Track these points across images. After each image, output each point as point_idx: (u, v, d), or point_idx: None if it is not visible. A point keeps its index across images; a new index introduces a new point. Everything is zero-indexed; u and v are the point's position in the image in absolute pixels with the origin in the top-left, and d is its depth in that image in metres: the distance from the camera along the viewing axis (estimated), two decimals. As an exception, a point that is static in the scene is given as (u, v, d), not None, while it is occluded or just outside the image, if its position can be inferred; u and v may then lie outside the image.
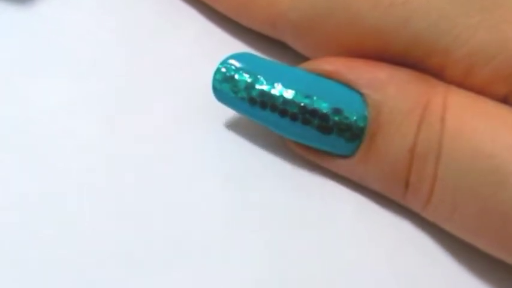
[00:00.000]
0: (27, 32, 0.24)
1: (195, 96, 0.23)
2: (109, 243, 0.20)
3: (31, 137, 0.22)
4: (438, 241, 0.20)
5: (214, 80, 0.21)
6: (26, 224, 0.20)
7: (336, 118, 0.20)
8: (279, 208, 0.21)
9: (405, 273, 0.20)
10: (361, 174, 0.21)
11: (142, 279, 0.20)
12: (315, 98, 0.20)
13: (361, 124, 0.20)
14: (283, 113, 0.20)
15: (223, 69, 0.21)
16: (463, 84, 0.19)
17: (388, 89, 0.20)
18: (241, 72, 0.21)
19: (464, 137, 0.18)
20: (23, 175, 0.21)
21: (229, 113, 0.22)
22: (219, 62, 0.21)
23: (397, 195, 0.20)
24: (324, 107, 0.20)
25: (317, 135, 0.20)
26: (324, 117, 0.20)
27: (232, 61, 0.21)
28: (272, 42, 0.23)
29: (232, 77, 0.21)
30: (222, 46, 0.23)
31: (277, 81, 0.20)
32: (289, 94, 0.20)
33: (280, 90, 0.20)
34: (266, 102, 0.20)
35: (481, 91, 0.19)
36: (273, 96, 0.20)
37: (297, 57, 0.22)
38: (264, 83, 0.20)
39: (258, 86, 0.20)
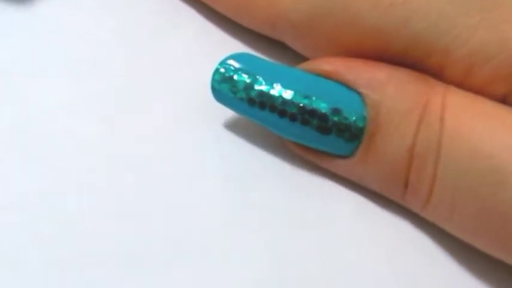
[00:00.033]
0: (27, 32, 0.24)
1: (194, 96, 0.23)
2: (109, 243, 0.20)
3: (31, 137, 0.22)
4: (438, 241, 0.20)
5: (213, 80, 0.21)
6: (26, 224, 0.20)
7: (335, 118, 0.20)
8: (279, 208, 0.21)
9: (405, 273, 0.20)
10: (361, 174, 0.21)
11: (142, 279, 0.20)
12: (314, 98, 0.20)
13: (360, 124, 0.20)
14: (282, 113, 0.20)
15: (222, 70, 0.21)
16: (463, 84, 0.19)
17: (387, 89, 0.20)
18: (240, 72, 0.21)
19: (463, 137, 0.18)
20: (23, 175, 0.21)
21: (229, 113, 0.22)
22: (218, 63, 0.21)
23: (396, 195, 0.20)
24: (323, 107, 0.20)
25: (316, 136, 0.20)
26: (323, 117, 0.20)
27: (231, 61, 0.21)
28: (271, 42, 0.23)
29: (231, 78, 0.21)
30: (222, 46, 0.23)
31: (276, 81, 0.20)
32: (288, 94, 0.20)
33: (279, 91, 0.20)
34: (265, 102, 0.20)
35: (480, 91, 0.19)
36: (272, 97, 0.20)
37: (297, 58, 0.22)
38: (263, 83, 0.20)
39: (257, 87, 0.20)
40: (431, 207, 0.19)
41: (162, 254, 0.20)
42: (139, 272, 0.20)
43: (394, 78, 0.20)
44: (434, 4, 0.19)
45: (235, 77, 0.21)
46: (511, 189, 0.18)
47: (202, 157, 0.22)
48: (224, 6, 0.24)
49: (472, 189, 0.18)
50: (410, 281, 0.20)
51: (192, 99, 0.23)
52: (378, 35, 0.20)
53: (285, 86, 0.20)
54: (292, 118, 0.20)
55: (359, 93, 0.20)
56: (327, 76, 0.20)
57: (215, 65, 0.21)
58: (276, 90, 0.20)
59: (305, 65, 0.21)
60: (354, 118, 0.20)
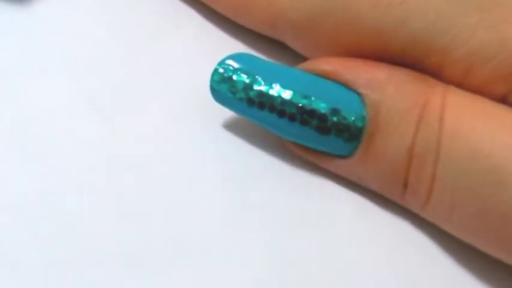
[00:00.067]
0: (25, 31, 0.24)
1: (193, 97, 0.23)
2: (109, 243, 0.20)
3: (30, 137, 0.22)
4: (438, 241, 0.20)
5: (212, 80, 0.21)
6: (26, 224, 0.20)
7: (334, 118, 0.20)
8: (279, 208, 0.21)
9: (405, 273, 0.20)
10: (360, 174, 0.21)
11: (142, 279, 0.20)
12: (313, 98, 0.20)
13: (359, 124, 0.20)
14: (281, 113, 0.20)
15: (221, 70, 0.21)
16: (462, 84, 0.19)
17: (386, 89, 0.20)
18: (239, 72, 0.21)
19: (463, 136, 0.18)
20: (22, 175, 0.21)
21: (228, 113, 0.22)
22: (216, 63, 0.21)
23: (395, 195, 0.20)
24: (322, 107, 0.20)
25: (315, 136, 0.20)
26: (322, 117, 0.20)
27: (229, 62, 0.21)
28: (271, 42, 0.23)
29: (230, 78, 0.21)
30: (221, 46, 0.23)
31: (275, 81, 0.20)
32: (287, 94, 0.20)
33: (278, 91, 0.20)
34: (264, 102, 0.20)
35: (479, 91, 0.19)
36: (271, 97, 0.20)
37: (296, 58, 0.22)
38: (262, 83, 0.20)
39: (256, 87, 0.20)
40: (431, 207, 0.19)
41: (161, 254, 0.20)
42: (139, 272, 0.20)
43: (394, 78, 0.20)
44: (433, 4, 0.19)
45: (234, 77, 0.21)
46: (510, 189, 0.18)
47: (202, 157, 0.22)
48: (224, 6, 0.24)
49: (471, 189, 0.18)
50: (410, 281, 0.20)
51: (191, 100, 0.23)
52: (377, 35, 0.20)
53: (284, 86, 0.20)
54: (292, 118, 0.20)
55: (358, 93, 0.20)
56: (326, 76, 0.20)
57: (214, 65, 0.21)
58: (275, 90, 0.20)
59: (304, 65, 0.21)
60: (353, 118, 0.20)
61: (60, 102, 0.23)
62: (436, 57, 0.19)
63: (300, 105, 0.20)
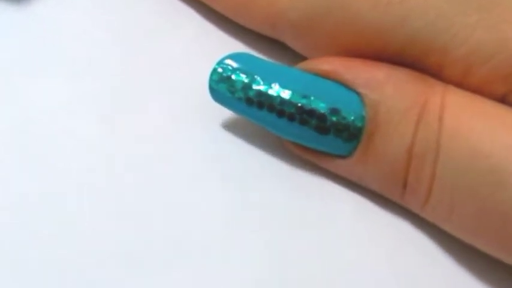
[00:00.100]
0: (23, 31, 0.24)
1: (192, 96, 0.23)
2: (109, 243, 0.20)
3: (30, 137, 0.22)
4: (438, 241, 0.20)
5: (211, 80, 0.21)
6: (26, 224, 0.20)
7: (334, 118, 0.20)
8: (279, 208, 0.21)
9: (405, 273, 0.20)
10: (360, 174, 0.21)
11: (142, 279, 0.20)
12: (312, 98, 0.20)
13: (358, 124, 0.20)
14: (280, 113, 0.20)
15: (220, 70, 0.21)
16: (461, 83, 0.19)
17: (385, 88, 0.20)
18: (238, 72, 0.21)
19: (462, 136, 0.18)
20: (22, 175, 0.21)
21: (227, 113, 0.22)
22: (215, 62, 0.21)
23: (395, 195, 0.20)
24: (321, 107, 0.20)
25: (315, 136, 0.20)
26: (321, 117, 0.20)
27: (228, 61, 0.21)
28: (270, 42, 0.23)
29: (229, 77, 0.21)
30: (220, 46, 0.23)
31: (275, 81, 0.20)
32: (286, 94, 0.20)
33: (278, 91, 0.20)
34: (263, 102, 0.20)
35: (479, 91, 0.19)
36: (270, 97, 0.20)
37: (296, 57, 0.22)
38: (261, 83, 0.20)
39: (255, 86, 0.20)
40: (431, 207, 0.19)
41: (161, 254, 0.20)
42: (139, 272, 0.20)
43: (393, 77, 0.20)
44: (432, 3, 0.19)
45: (233, 76, 0.21)
46: (510, 189, 0.18)
47: (201, 157, 0.22)
48: (223, 5, 0.24)
49: (471, 189, 0.18)
50: (410, 281, 0.20)
51: (191, 99, 0.23)
52: (376, 34, 0.20)
53: (283, 86, 0.20)
54: (291, 118, 0.20)
55: (358, 93, 0.20)
56: (325, 76, 0.20)
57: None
58: (274, 90, 0.20)
59: (303, 65, 0.21)
60: (352, 118, 0.20)
61: (59, 102, 0.23)
62: (435, 57, 0.19)
63: (299, 105, 0.20)
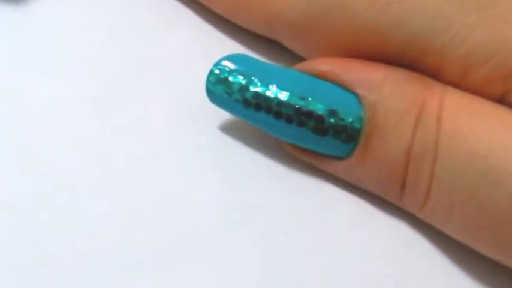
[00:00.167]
0: (21, 31, 0.24)
1: (190, 98, 0.22)
2: (108, 243, 0.20)
3: (28, 136, 0.22)
4: (437, 243, 0.20)
5: (208, 82, 0.21)
6: (26, 224, 0.20)
7: (332, 120, 0.20)
8: (277, 210, 0.21)
9: (403, 275, 0.20)
10: (358, 175, 0.21)
11: (142, 279, 0.20)
12: (310, 99, 0.20)
13: (356, 125, 0.20)
14: (278, 114, 0.20)
15: (217, 71, 0.21)
16: (460, 84, 0.19)
17: (383, 89, 0.20)
18: (235, 74, 0.21)
19: (461, 137, 0.18)
20: (22, 174, 0.21)
21: (224, 114, 0.22)
22: (212, 64, 0.21)
23: (393, 196, 0.20)
24: (319, 108, 0.20)
25: (312, 137, 0.20)
26: (319, 118, 0.20)
27: (225, 63, 0.21)
28: (268, 43, 0.23)
29: (226, 79, 0.21)
30: (218, 47, 0.23)
31: (272, 82, 0.20)
32: (283, 96, 0.20)
33: (275, 92, 0.20)
34: (261, 104, 0.20)
35: (477, 91, 0.19)
36: (267, 98, 0.20)
37: (293, 58, 0.22)
38: (258, 84, 0.20)
39: (252, 88, 0.20)
40: (429, 208, 0.19)
41: (160, 254, 0.20)
42: (139, 272, 0.20)
43: (391, 78, 0.20)
44: (431, 2, 0.19)
45: (230, 78, 0.21)
46: (508, 190, 0.18)
47: (199, 158, 0.22)
48: (221, 6, 0.24)
49: (469, 190, 0.18)
50: (409, 283, 0.20)
51: (188, 101, 0.23)
52: (375, 34, 0.20)
53: (281, 87, 0.20)
54: (288, 120, 0.20)
55: (355, 94, 0.20)
56: (323, 77, 0.20)
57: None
58: (272, 91, 0.20)
59: (301, 66, 0.21)
60: (350, 119, 0.20)
61: (58, 102, 0.23)
62: (434, 57, 0.19)
63: (297, 106, 0.20)
